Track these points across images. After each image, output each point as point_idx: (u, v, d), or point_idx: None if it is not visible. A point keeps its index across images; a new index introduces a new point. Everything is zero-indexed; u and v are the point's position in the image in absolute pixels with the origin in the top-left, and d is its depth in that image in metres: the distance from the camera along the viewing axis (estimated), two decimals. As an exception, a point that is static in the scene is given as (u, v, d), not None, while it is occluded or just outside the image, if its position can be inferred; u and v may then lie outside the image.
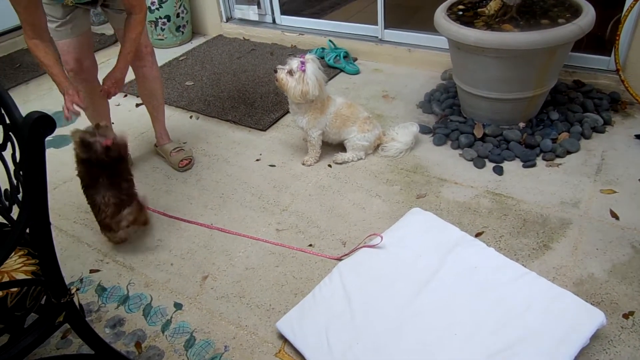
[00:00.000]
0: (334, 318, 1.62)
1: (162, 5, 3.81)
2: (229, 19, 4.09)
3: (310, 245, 1.99)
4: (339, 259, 1.88)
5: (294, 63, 2.22)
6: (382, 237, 1.85)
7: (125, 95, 3.29)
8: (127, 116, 3.08)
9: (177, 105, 3.12)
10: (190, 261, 1.98)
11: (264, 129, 2.78)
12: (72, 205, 2.35)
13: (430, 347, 1.50)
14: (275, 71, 2.25)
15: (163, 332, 1.71)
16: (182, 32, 4.04)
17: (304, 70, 2.19)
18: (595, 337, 1.49)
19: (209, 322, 1.72)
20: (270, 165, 2.49)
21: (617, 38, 2.46)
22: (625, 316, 1.57)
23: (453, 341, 1.51)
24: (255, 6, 3.89)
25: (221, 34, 4.10)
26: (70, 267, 2.00)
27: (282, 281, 1.85)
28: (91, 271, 1.99)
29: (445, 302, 1.62)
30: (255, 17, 3.94)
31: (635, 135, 2.35)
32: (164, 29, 3.93)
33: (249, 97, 3.11)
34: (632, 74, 2.54)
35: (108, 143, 1.82)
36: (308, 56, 2.23)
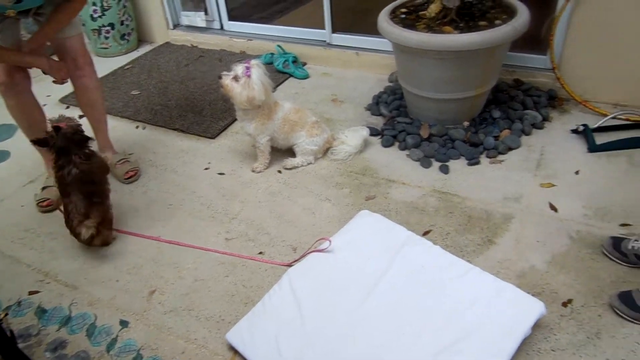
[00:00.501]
0: (285, 325, 1.61)
1: (105, 13, 3.71)
2: (176, 26, 4.03)
3: (261, 252, 1.97)
4: (289, 265, 1.87)
5: (239, 69, 2.20)
6: (330, 241, 1.85)
7: (68, 107, 3.18)
8: (70, 128, 2.98)
9: (122, 115, 3.04)
10: (136, 276, 1.93)
11: (213, 137, 2.75)
12: (11, 224, 2.25)
13: (380, 348, 1.51)
14: (220, 77, 2.23)
15: (108, 351, 1.65)
16: (128, 40, 3.94)
17: (249, 76, 2.17)
18: (537, 326, 1.54)
19: (156, 338, 1.68)
20: (219, 174, 2.46)
21: (551, 38, 2.56)
22: (564, 304, 1.63)
23: (402, 341, 1.52)
24: (203, 12, 3.85)
25: (168, 41, 4.03)
26: (7, 290, 1.91)
27: (232, 291, 1.82)
28: (30, 293, 1.90)
29: (394, 302, 1.64)
30: (203, 24, 3.89)
31: (572, 130, 2.45)
32: (108, 37, 3.83)
33: (197, 105, 3.06)
34: (567, 71, 2.65)
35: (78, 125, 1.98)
36: (253, 62, 2.22)
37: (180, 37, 3.97)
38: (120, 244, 2.09)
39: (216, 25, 3.86)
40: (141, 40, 4.13)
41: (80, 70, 2.26)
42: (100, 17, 3.72)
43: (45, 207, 2.30)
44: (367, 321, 1.59)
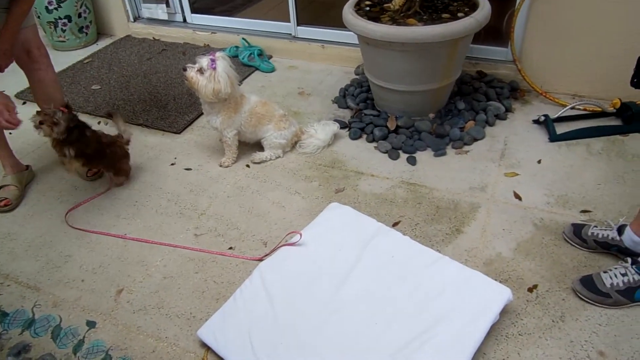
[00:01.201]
0: (257, 320, 1.60)
1: (61, 4, 3.58)
2: (137, 19, 3.92)
3: (231, 248, 1.95)
4: (260, 260, 1.86)
5: (204, 61, 2.16)
6: (301, 235, 1.85)
7: (24, 103, 3.05)
8: (28, 125, 2.86)
9: (83, 110, 2.94)
10: (103, 275, 1.88)
11: (178, 132, 2.69)
12: (-34, 226, 2.15)
13: (352, 338, 1.52)
14: (185, 69, 2.18)
15: (75, 353, 1.61)
16: (86, 33, 3.81)
17: (214, 68, 2.14)
18: (504, 312, 1.58)
19: (125, 338, 1.64)
20: (186, 169, 2.42)
21: (512, 30, 2.62)
22: (530, 290, 1.68)
23: (374, 330, 1.54)
24: (164, 5, 3.76)
25: (129, 35, 3.92)
26: (-35, 294, 1.83)
27: (202, 287, 1.80)
28: (-10, 296, 1.83)
29: (366, 293, 1.65)
30: (165, 16, 3.80)
31: (533, 121, 2.52)
32: (65, 30, 3.69)
33: (161, 99, 2.99)
34: (527, 63, 2.72)
35: (64, 109, 2.02)
36: (218, 54, 2.18)
37: (141, 30, 3.87)
38: (84, 243, 2.03)
39: (179, 18, 3.78)
40: (100, 34, 4.00)
41: (36, 63, 2.17)
42: (56, 9, 3.58)
43: (3, 207, 2.21)
44: (339, 312, 1.60)
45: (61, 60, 3.54)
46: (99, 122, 2.84)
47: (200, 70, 2.15)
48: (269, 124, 2.37)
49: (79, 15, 3.70)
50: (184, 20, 3.78)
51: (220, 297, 1.75)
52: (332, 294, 1.65)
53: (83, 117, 2.86)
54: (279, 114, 2.40)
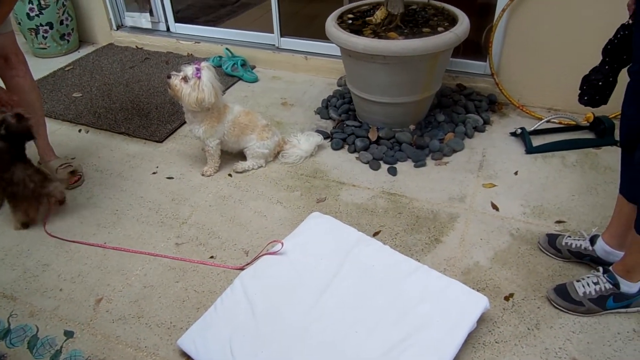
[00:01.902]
0: (238, 329, 1.60)
1: (43, 11, 3.56)
2: (120, 27, 3.92)
3: (212, 257, 1.96)
4: (241, 269, 1.86)
5: (189, 70, 2.17)
6: (282, 244, 1.86)
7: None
8: (6, 132, 2.83)
9: (63, 118, 2.92)
10: (81, 284, 1.86)
11: (161, 141, 2.69)
12: (-59, 234, 2.11)
13: (333, 347, 1.53)
14: (169, 77, 2.19)
15: (52, 363, 1.59)
16: (68, 41, 3.79)
17: (199, 77, 2.15)
18: (482, 320, 1.61)
19: (104, 348, 1.63)
20: (168, 178, 2.41)
21: (490, 45, 2.69)
22: (506, 298, 1.72)
23: (355, 339, 1.55)
24: (148, 14, 3.76)
25: (112, 43, 3.91)
26: (-61, 303, 1.79)
27: (183, 296, 1.80)
28: (-36, 305, 1.80)
29: (346, 302, 1.67)
30: (148, 25, 3.80)
31: (510, 133, 2.58)
32: (47, 37, 3.67)
33: (143, 107, 2.99)
34: (505, 77, 2.79)
35: (19, 112, 1.97)
36: (203, 64, 2.20)
37: (124, 39, 3.86)
38: (63, 252, 2.01)
39: (162, 27, 3.79)
40: (82, 41, 3.98)
41: (13, 70, 2.16)
42: (37, 15, 3.56)
43: (-20, 215, 2.18)
44: (320, 321, 1.61)
45: (42, 67, 3.51)
46: (79, 130, 2.82)
47: (185, 79, 2.16)
48: (251, 133, 2.38)
49: (61, 23, 3.68)
50: (168, 29, 3.79)
51: (201, 306, 1.75)
52: (313, 302, 1.66)
53: (63, 125, 2.86)
54: (261, 124, 2.41)
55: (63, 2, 3.64)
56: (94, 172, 2.47)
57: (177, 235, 2.07)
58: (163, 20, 3.75)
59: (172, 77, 2.18)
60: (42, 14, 3.56)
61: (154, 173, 2.45)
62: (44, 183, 2.05)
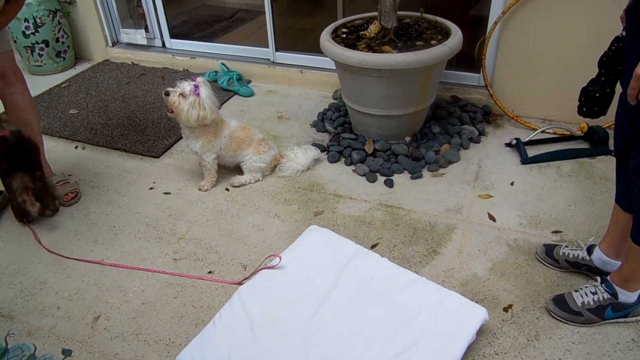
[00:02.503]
0: (237, 343, 1.59)
1: (39, 29, 3.58)
2: (116, 43, 3.94)
3: (210, 272, 1.95)
4: (240, 283, 1.86)
5: (186, 86, 2.18)
6: (280, 258, 1.86)
7: None
8: (2, 150, 2.83)
9: (60, 135, 2.92)
10: (79, 302, 1.85)
11: (157, 156, 2.70)
12: (-63, 253, 2.10)
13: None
14: (167, 94, 2.18)
15: (50, 382, 1.57)
16: (64, 58, 3.81)
17: (198, 94, 2.16)
18: (481, 332, 1.61)
19: (102, 366, 1.62)
20: (165, 193, 2.41)
21: (483, 57, 2.72)
22: (505, 309, 1.72)
23: (353, 352, 1.55)
24: (143, 30, 3.79)
25: (108, 59, 3.93)
26: None
27: (181, 312, 1.79)
28: (-39, 325, 1.78)
29: (345, 315, 1.66)
30: (144, 41, 3.83)
31: (505, 144, 2.60)
32: (42, 55, 3.68)
33: (139, 123, 3.00)
34: (499, 89, 2.82)
35: (5, 134, 2.01)
36: (199, 79, 2.21)
37: (120, 55, 3.88)
38: (60, 269, 2.00)
39: (158, 43, 3.81)
40: (78, 58, 4.00)
41: (11, 87, 2.17)
42: (33, 33, 3.58)
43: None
44: (318, 334, 1.60)
45: (38, 85, 3.52)
46: (76, 147, 2.82)
47: (183, 95, 2.17)
48: (248, 148, 2.39)
49: (57, 40, 3.70)
50: (163, 45, 3.81)
51: (199, 322, 1.74)
52: (311, 316, 1.66)
53: (60, 142, 2.86)
54: (258, 138, 2.42)
55: (59, 20, 3.67)
56: (91, 189, 2.47)
57: (175, 250, 2.07)
58: (158, 36, 3.78)
59: (171, 93, 2.18)
60: (38, 31, 3.58)
61: (151, 188, 2.45)
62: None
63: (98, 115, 3.11)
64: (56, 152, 2.78)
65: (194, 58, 3.64)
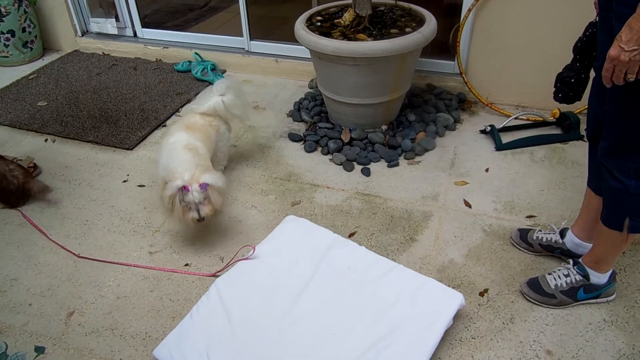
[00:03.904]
0: (214, 336, 1.58)
1: (4, 19, 3.45)
2: (85, 33, 3.83)
3: (187, 264, 1.93)
4: (215, 275, 1.84)
5: (196, 196, 1.78)
6: (254, 248, 1.84)
7: (-36, 121, 2.92)
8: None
9: (28, 128, 2.84)
10: (52, 298, 1.81)
11: (131, 148, 2.64)
12: None
13: (311, 350, 1.53)
14: (202, 219, 1.81)
15: (23, 381, 1.54)
16: (31, 48, 3.69)
17: (205, 189, 1.80)
18: (458, 317, 1.63)
19: (77, 362, 1.59)
20: (140, 186, 2.37)
21: (458, 45, 2.73)
22: (481, 294, 1.74)
23: (332, 341, 1.55)
24: (113, 19, 3.69)
25: (77, 49, 3.82)
26: None
27: (158, 306, 1.77)
28: None
29: (323, 304, 1.66)
30: (115, 31, 3.73)
31: (480, 131, 2.62)
32: (8, 45, 3.56)
33: (112, 115, 2.93)
34: (473, 76, 2.84)
35: None
36: (204, 178, 1.81)
37: (90, 45, 3.78)
38: (32, 266, 1.95)
39: (129, 32, 3.72)
40: (47, 49, 3.89)
41: None
42: (-2, 23, 3.45)
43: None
44: (297, 324, 1.60)
45: (4, 76, 3.42)
46: (45, 140, 2.75)
47: (198, 204, 1.80)
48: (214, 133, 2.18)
49: (23, 30, 3.58)
50: (135, 34, 3.73)
51: (176, 315, 1.72)
52: (289, 306, 1.65)
53: (29, 135, 2.78)
54: (203, 122, 2.16)
55: (25, 9, 3.55)
56: (62, 183, 2.41)
57: (151, 243, 2.04)
58: (130, 25, 3.69)
59: (191, 212, 1.81)
60: (3, 21, 3.46)
61: (124, 181, 2.41)
62: (27, 178, 2.23)
63: (68, 107, 3.03)
64: (25, 145, 2.70)
65: (167, 48, 3.57)
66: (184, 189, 1.77)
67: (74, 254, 1.98)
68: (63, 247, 2.01)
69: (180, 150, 1.94)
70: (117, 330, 1.69)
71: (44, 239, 2.08)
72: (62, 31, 3.80)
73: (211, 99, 2.23)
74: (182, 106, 3.02)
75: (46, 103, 3.09)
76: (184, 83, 3.27)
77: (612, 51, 1.17)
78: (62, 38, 3.84)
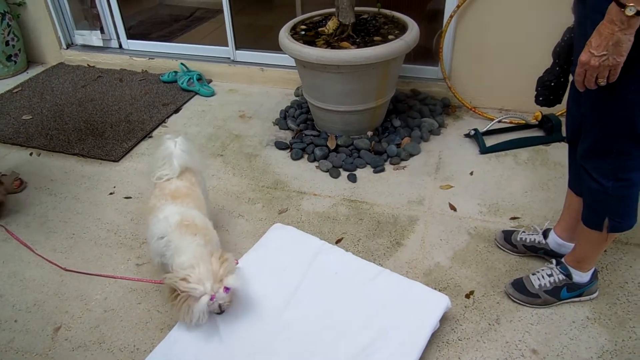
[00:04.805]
0: (203, 346, 1.58)
1: (-13, 33, 3.44)
2: (70, 46, 3.83)
3: (174, 275, 1.92)
4: (205, 285, 1.84)
5: (221, 302, 1.58)
6: (237, 262, 1.75)
7: (-52, 137, 2.90)
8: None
9: (13, 142, 2.83)
10: (38, 314, 1.80)
11: (117, 160, 2.64)
12: None
13: (300, 358, 1.53)
14: (222, 312, 1.63)
15: (9, 398, 1.53)
16: (15, 62, 3.68)
17: (227, 292, 1.56)
18: (444, 319, 1.65)
19: (64, 377, 1.58)
20: (126, 198, 2.37)
21: (441, 50, 2.77)
22: (467, 296, 1.76)
23: (322, 347, 1.56)
24: (98, 31, 3.69)
25: (62, 62, 3.81)
26: None
27: (146, 318, 1.76)
28: None
29: (312, 311, 1.67)
30: (100, 43, 3.73)
31: (464, 135, 2.65)
32: (-8, 60, 3.55)
33: (97, 127, 2.93)
34: (457, 81, 2.87)
35: None
36: (219, 293, 1.54)
37: (75, 57, 3.77)
38: (17, 281, 1.94)
39: (114, 44, 3.72)
40: (31, 61, 3.87)
41: None
42: (-19, 37, 3.44)
43: None
44: (286, 332, 1.61)
45: (-12, 91, 3.40)
46: (31, 154, 2.73)
47: (222, 307, 1.61)
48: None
49: (7, 43, 3.57)
50: (120, 46, 3.73)
51: (164, 327, 1.72)
52: (278, 313, 1.66)
53: (13, 149, 2.77)
54: (185, 183, 1.85)
55: (8, 22, 3.54)
56: (48, 196, 2.40)
57: (138, 256, 2.03)
58: (115, 37, 3.69)
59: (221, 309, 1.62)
60: (-14, 35, 3.45)
61: (111, 193, 2.40)
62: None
63: (53, 120, 3.02)
64: (9, 159, 2.69)
65: (153, 59, 3.58)
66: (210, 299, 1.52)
67: (60, 267, 1.97)
68: (49, 261, 2.00)
69: (178, 234, 1.62)
70: (104, 344, 1.68)
71: (30, 254, 2.06)
72: (46, 44, 3.80)
73: (172, 160, 1.83)
74: (168, 117, 3.03)
75: (31, 116, 3.08)
76: (170, 94, 3.27)
77: (583, 56, 1.20)
78: (47, 51, 3.83)
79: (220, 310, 1.61)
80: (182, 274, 1.51)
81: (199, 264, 1.52)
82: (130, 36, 3.70)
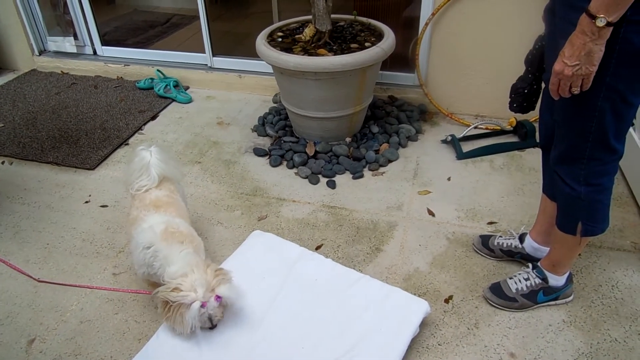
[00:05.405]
0: (181, 355, 1.56)
1: (-44, 39, 3.35)
2: (43, 52, 3.76)
3: (152, 284, 1.90)
4: (183, 295, 1.82)
5: (213, 311, 1.55)
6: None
7: None
8: None
9: (-16, 151, 2.76)
10: (11, 326, 1.75)
11: (92, 168, 2.59)
12: None
13: (280, 366, 1.53)
14: (215, 327, 1.61)
15: (-19, 414, 1.48)
16: (-15, 69, 3.59)
17: (220, 302, 1.56)
18: (424, 324, 1.66)
19: (39, 391, 1.54)
20: (102, 206, 2.33)
21: (417, 57, 2.81)
22: (446, 301, 1.78)
23: (302, 354, 1.55)
24: (72, 37, 3.63)
25: (35, 69, 3.74)
26: None
27: (123, 328, 1.73)
28: None
29: (291, 318, 1.67)
30: (73, 49, 3.67)
31: (441, 141, 2.69)
32: (-39, 66, 3.46)
33: (72, 135, 2.87)
34: (433, 87, 2.91)
35: None
36: (211, 301, 1.53)
37: (48, 64, 3.70)
38: (-11, 293, 1.89)
39: (88, 50, 3.67)
40: (2, 68, 3.79)
41: None
42: (-50, 43, 3.35)
43: None
44: (265, 341, 1.60)
45: (-43, 98, 3.31)
46: (2, 162, 2.67)
47: (213, 315, 1.57)
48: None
49: (-23, 50, 3.49)
50: (95, 52, 3.67)
51: (142, 337, 1.69)
52: (258, 321, 1.65)
53: (-16, 158, 2.70)
54: (165, 192, 1.82)
55: (-22, 28, 3.46)
56: (21, 206, 2.34)
57: (114, 265, 2.00)
58: (89, 43, 3.64)
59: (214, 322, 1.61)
60: (-45, 41, 3.36)
61: (86, 202, 2.36)
62: None
63: (26, 128, 2.95)
64: (-20, 168, 2.62)
65: (128, 65, 3.53)
66: (201, 306, 1.51)
67: (33, 278, 1.92)
68: (22, 272, 1.95)
69: (166, 243, 1.58)
70: (80, 355, 1.64)
71: (2, 265, 2.01)
72: (18, 50, 3.72)
73: (149, 169, 1.80)
74: (144, 124, 2.99)
75: (2, 124, 3.01)
76: (147, 100, 3.23)
77: (557, 66, 1.23)
78: (19, 57, 3.75)
79: (212, 325, 1.59)
80: (174, 284, 1.50)
81: (193, 271, 1.52)
82: (105, 42, 3.65)
